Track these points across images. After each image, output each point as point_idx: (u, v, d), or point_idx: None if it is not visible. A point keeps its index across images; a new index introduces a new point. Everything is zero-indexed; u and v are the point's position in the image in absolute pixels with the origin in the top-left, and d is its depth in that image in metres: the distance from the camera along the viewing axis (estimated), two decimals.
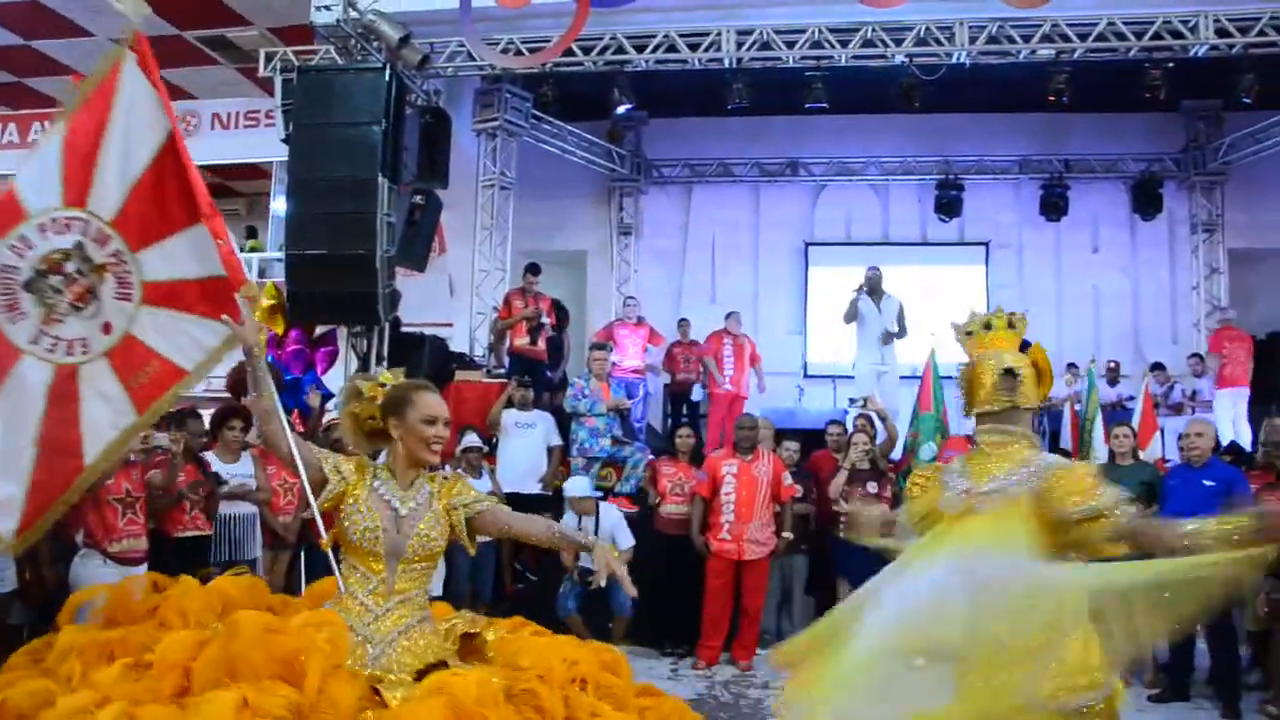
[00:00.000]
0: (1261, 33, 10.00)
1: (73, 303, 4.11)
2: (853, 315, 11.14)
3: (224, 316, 3.71)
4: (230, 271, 3.90)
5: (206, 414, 7.58)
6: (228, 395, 9.02)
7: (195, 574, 6.25)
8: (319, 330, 10.57)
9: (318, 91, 9.61)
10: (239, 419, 7.15)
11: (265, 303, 10.10)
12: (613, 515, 7.88)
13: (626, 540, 7.77)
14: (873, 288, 11.08)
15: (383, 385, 3.42)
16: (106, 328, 4.12)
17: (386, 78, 9.47)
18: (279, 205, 14.37)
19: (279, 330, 10.09)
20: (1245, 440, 9.90)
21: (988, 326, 3.40)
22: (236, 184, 17.76)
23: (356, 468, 3.35)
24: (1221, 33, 10.06)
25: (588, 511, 7.86)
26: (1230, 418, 10.77)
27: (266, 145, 13.45)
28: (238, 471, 6.99)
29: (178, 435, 6.34)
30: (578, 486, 8.02)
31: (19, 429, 4.04)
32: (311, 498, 3.28)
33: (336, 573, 3.28)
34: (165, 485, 6.27)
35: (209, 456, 6.90)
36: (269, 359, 9.78)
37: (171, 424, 6.69)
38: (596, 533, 7.76)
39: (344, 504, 3.27)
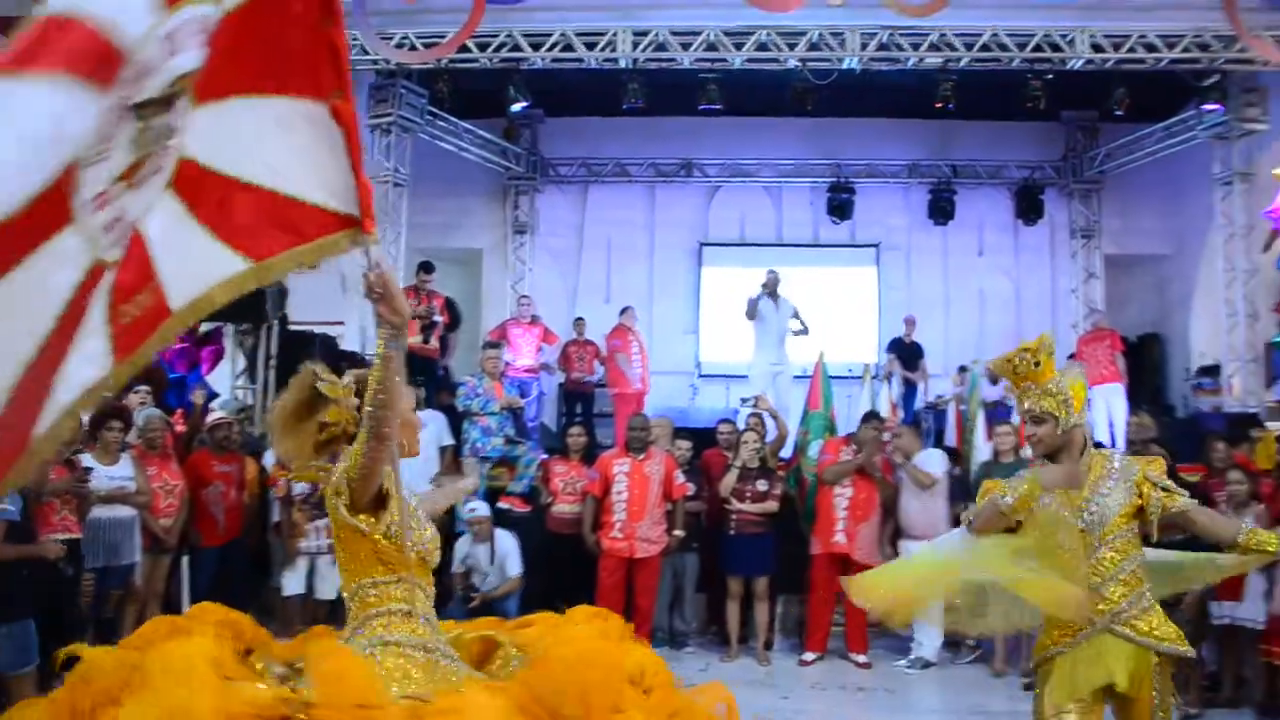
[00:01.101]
0: (1132, 49, 10.59)
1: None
2: (753, 312, 11.27)
3: (367, 275, 2.69)
4: (365, 206, 2.61)
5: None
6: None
7: (67, 577, 6.14)
8: (204, 328, 10.30)
9: None
10: (118, 419, 6.94)
11: None
12: (507, 542, 7.85)
13: (515, 568, 7.78)
14: (772, 290, 11.25)
15: (344, 384, 2.98)
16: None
17: None
18: None
19: None
20: (1120, 436, 10.28)
21: (1037, 364, 3.63)
22: None
23: None
24: (1096, 48, 10.59)
25: (484, 535, 7.80)
26: (1105, 414, 11.20)
27: None
28: (116, 474, 6.78)
29: None
30: (479, 509, 7.95)
31: (11, 342, 2.25)
32: (404, 514, 2.78)
33: (420, 594, 2.83)
34: (36, 488, 6.04)
35: (85, 458, 6.66)
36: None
37: None
38: (492, 558, 7.76)
39: (389, 510, 2.81)
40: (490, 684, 2.55)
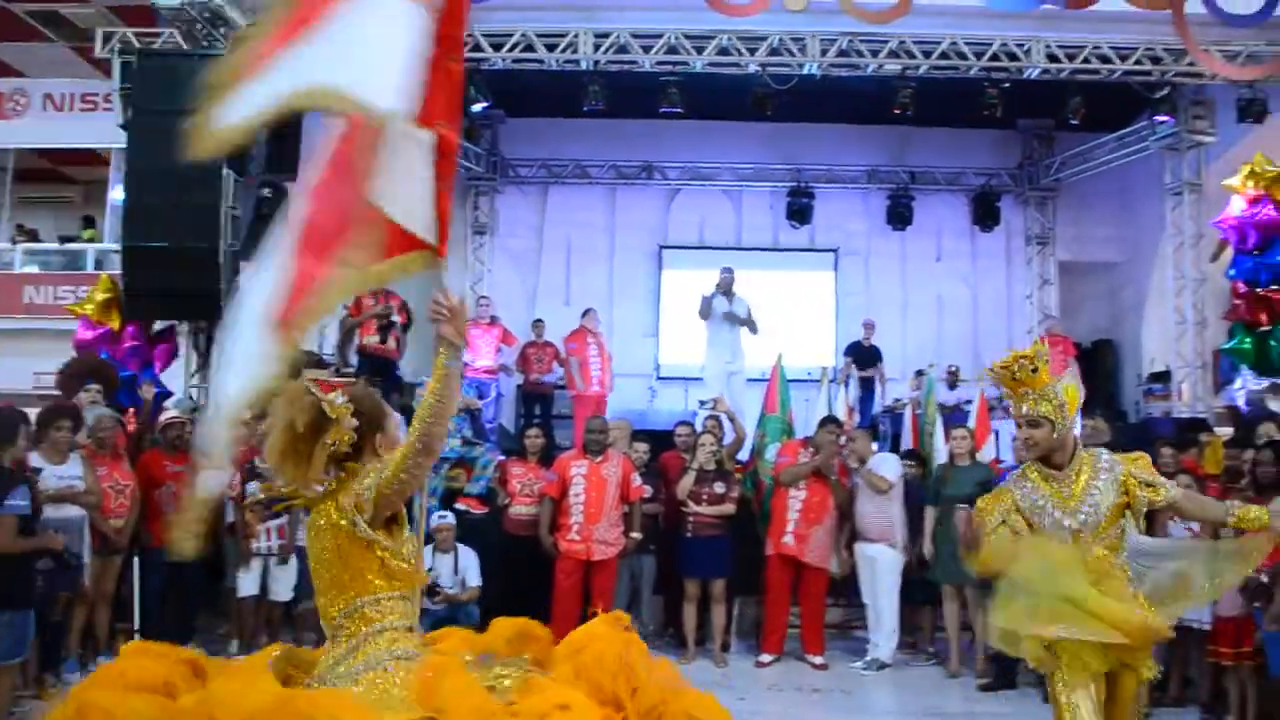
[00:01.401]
0: (1086, 60, 10.78)
1: None
2: (707, 311, 11.29)
3: (439, 298, 2.74)
4: (442, 234, 2.79)
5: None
6: (57, 393, 8.62)
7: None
8: (157, 326, 10.17)
9: (159, 76, 9.26)
10: (67, 418, 6.82)
11: (100, 296, 9.69)
12: (468, 556, 7.84)
13: (474, 580, 7.77)
14: (726, 289, 11.27)
15: (340, 404, 2.84)
16: None
17: None
18: (118, 194, 13.75)
19: (115, 326, 9.68)
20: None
21: (1035, 370, 3.79)
22: (71, 170, 16.86)
23: None
24: (1052, 58, 10.77)
25: (448, 545, 7.76)
26: None
27: (104, 130, 12.77)
28: (65, 473, 6.67)
29: None
30: (446, 517, 7.91)
31: None
32: (423, 524, 2.83)
33: (414, 614, 2.85)
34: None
35: (33, 457, 6.53)
36: (103, 355, 9.43)
37: None
38: (456, 570, 7.74)
39: (403, 526, 2.83)
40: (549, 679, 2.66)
